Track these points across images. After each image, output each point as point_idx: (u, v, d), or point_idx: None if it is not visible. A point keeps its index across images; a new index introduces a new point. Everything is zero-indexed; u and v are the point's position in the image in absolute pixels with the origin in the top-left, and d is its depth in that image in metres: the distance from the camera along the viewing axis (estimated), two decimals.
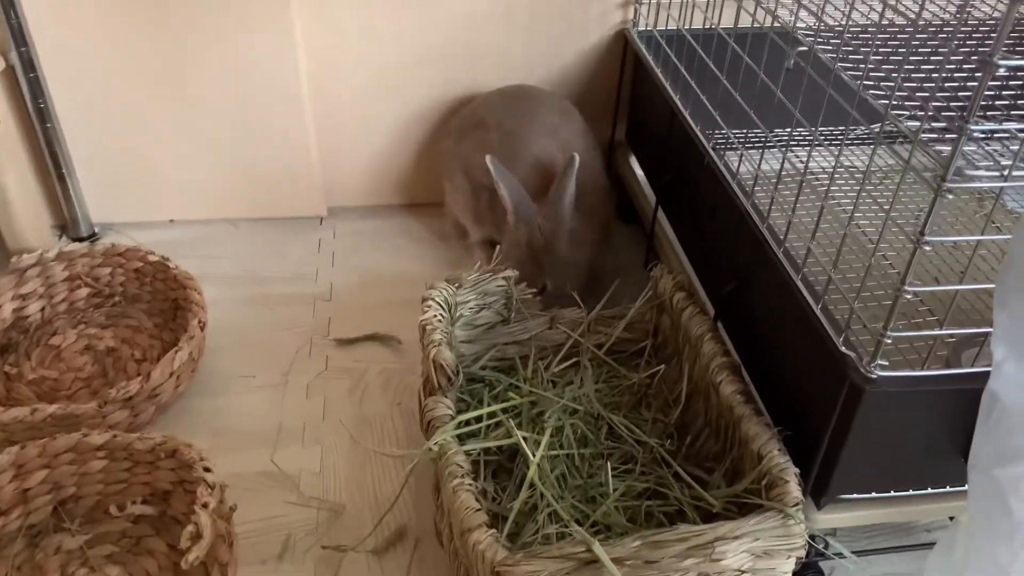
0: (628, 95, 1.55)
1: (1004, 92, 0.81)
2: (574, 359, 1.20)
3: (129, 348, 1.28)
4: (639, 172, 1.52)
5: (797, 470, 0.88)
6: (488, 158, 1.25)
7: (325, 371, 1.27)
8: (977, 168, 0.66)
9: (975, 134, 0.63)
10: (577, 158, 1.24)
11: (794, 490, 0.85)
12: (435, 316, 1.07)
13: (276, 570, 0.99)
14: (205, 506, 0.89)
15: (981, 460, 0.58)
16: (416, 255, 1.52)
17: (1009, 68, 0.60)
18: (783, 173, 0.94)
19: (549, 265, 1.28)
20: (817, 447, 0.87)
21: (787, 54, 0.89)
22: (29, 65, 1.35)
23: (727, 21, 1.14)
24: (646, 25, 1.44)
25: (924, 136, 0.70)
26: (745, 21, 1.07)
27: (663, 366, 1.16)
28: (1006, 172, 0.66)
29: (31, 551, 0.98)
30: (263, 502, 1.07)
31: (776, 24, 0.95)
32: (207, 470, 0.95)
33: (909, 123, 0.71)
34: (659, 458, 1.04)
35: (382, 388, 1.24)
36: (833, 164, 0.86)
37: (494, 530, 0.82)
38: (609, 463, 1.01)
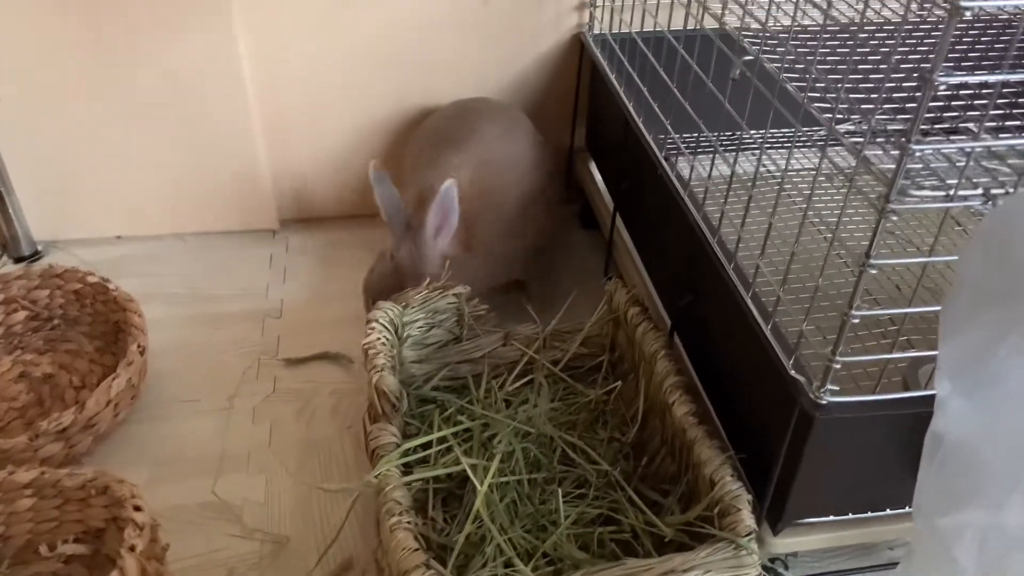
0: (586, 100, 1.51)
1: (962, 92, 0.77)
2: (529, 376, 1.16)
3: (67, 374, 1.23)
4: (599, 178, 1.48)
5: (751, 497, 0.85)
6: (371, 166, 1.19)
7: (272, 393, 1.23)
8: (922, 188, 0.63)
9: (917, 153, 0.59)
10: (449, 184, 1.16)
11: (747, 519, 0.82)
12: (379, 339, 1.03)
13: None
14: (132, 549, 0.85)
15: (924, 507, 0.55)
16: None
17: (950, 86, 0.56)
18: (738, 180, 0.90)
19: (409, 282, 1.19)
20: (771, 471, 0.84)
21: (733, 63, 0.86)
22: None
23: (681, 24, 1.10)
24: (600, 29, 1.41)
25: (870, 152, 0.67)
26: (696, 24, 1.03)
27: (619, 383, 1.13)
28: (952, 192, 0.63)
29: None
30: (204, 535, 1.03)
31: (724, 29, 0.92)
32: (137, 508, 0.90)
33: (853, 139, 0.67)
34: (614, 481, 1.01)
35: (331, 411, 1.20)
36: (786, 169, 0.82)
37: (432, 572, 0.78)
38: (560, 489, 0.97)
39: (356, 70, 1.43)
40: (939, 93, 0.58)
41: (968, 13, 0.53)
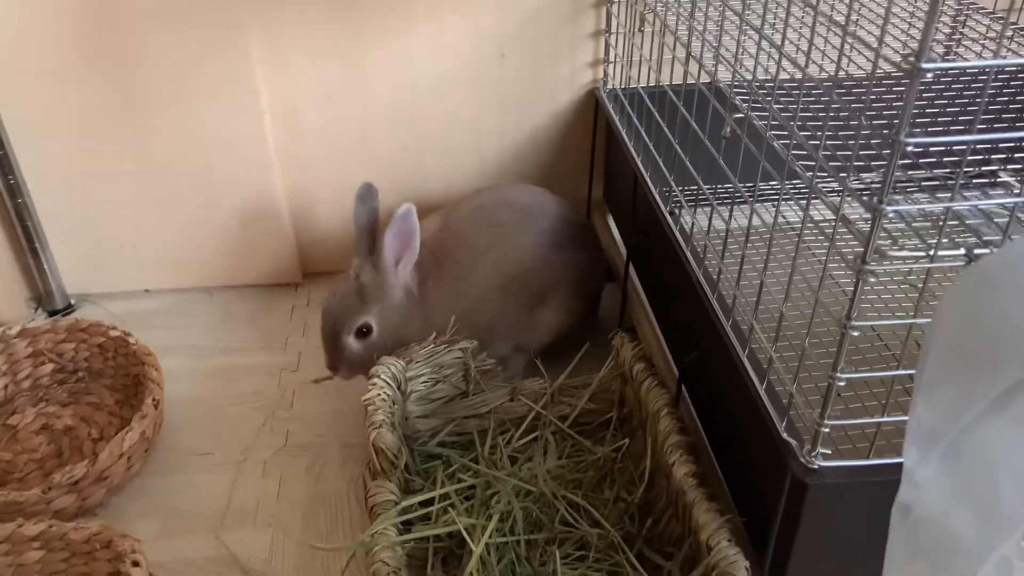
0: (602, 154, 1.52)
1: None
2: (537, 432, 1.15)
3: (87, 426, 1.26)
4: (616, 230, 1.48)
5: (747, 564, 0.82)
6: (363, 186, 1.19)
7: (284, 447, 1.24)
8: (902, 248, 0.61)
9: (890, 213, 0.58)
10: (407, 208, 1.13)
11: None
12: (379, 395, 1.03)
13: None
14: None
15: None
16: None
17: (918, 145, 0.55)
18: (739, 234, 0.89)
19: (372, 306, 1.17)
20: (769, 535, 0.81)
21: (725, 121, 0.85)
22: None
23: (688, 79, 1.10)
24: (613, 85, 1.42)
25: (850, 211, 0.65)
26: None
27: (627, 440, 1.11)
28: (932, 252, 0.61)
29: None
30: None
31: (716, 84, 0.92)
32: (135, 564, 0.91)
33: (832, 197, 0.66)
34: (616, 543, 0.98)
35: (341, 464, 1.20)
36: (774, 225, 0.81)
37: None
38: (560, 551, 0.96)
39: (375, 127, 1.46)
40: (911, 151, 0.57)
41: (930, 75, 0.52)
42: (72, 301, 1.55)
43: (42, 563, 0.99)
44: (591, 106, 1.49)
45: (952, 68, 0.52)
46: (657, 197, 1.12)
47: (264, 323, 1.50)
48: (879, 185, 0.59)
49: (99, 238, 1.50)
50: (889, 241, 0.62)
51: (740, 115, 0.83)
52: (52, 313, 1.53)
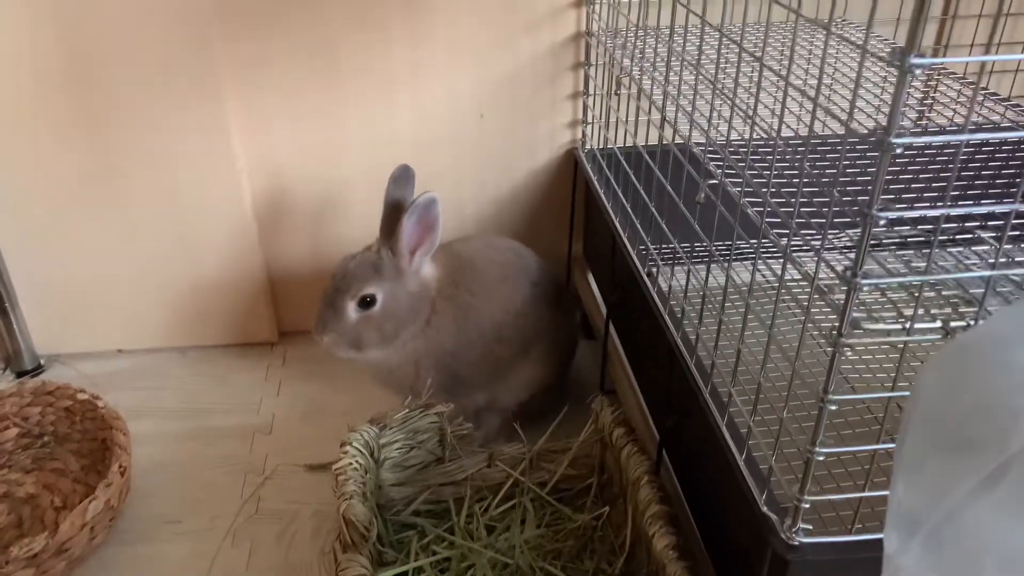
0: (582, 212, 1.51)
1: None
2: (515, 500, 1.12)
3: (50, 494, 1.21)
4: (596, 288, 1.47)
5: None
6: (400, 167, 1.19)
7: (255, 514, 1.20)
8: (877, 321, 0.60)
9: (865, 288, 0.57)
10: (431, 196, 1.13)
11: None
12: (350, 464, 1.00)
13: None
14: None
15: None
16: (371, 382, 1.45)
17: (890, 221, 0.54)
18: (718, 294, 0.87)
19: (385, 282, 1.16)
20: None
21: (699, 187, 0.85)
22: None
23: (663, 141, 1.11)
24: (591, 145, 1.42)
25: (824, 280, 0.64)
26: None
27: (607, 508, 1.08)
28: (908, 325, 0.60)
29: None
30: None
31: (688, 146, 0.91)
32: None
33: (806, 266, 0.65)
34: None
35: (312, 533, 1.17)
36: (751, 289, 0.79)
37: None
38: None
39: (355, 183, 1.46)
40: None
41: (899, 148, 0.51)
42: (42, 361, 1.52)
43: None
44: (571, 165, 1.49)
45: (920, 142, 0.51)
46: (634, 257, 1.11)
47: (238, 383, 1.47)
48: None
49: (71, 297, 1.48)
50: (864, 313, 0.60)
51: (714, 181, 0.82)
52: (20, 374, 1.49)
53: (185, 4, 1.25)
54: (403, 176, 1.19)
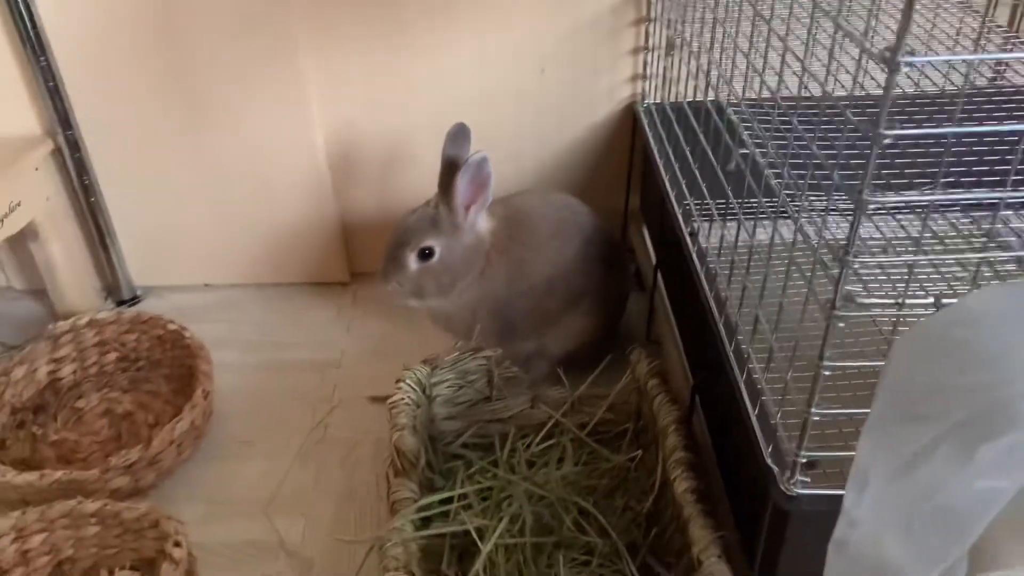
0: (640, 166, 1.55)
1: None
2: (555, 439, 1.20)
3: (144, 413, 1.36)
4: (649, 242, 1.51)
5: None
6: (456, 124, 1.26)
7: (322, 439, 1.32)
8: (870, 296, 0.64)
9: (856, 265, 0.61)
10: (481, 155, 1.19)
11: None
12: (403, 399, 1.10)
13: None
14: None
15: None
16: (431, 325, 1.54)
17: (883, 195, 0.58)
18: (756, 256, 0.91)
19: (444, 234, 1.24)
20: (755, 557, 0.85)
21: (732, 155, 0.89)
22: (74, 146, 1.47)
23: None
24: (649, 101, 1.45)
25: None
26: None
27: (640, 451, 1.15)
28: (901, 300, 0.64)
29: None
30: (244, 571, 1.12)
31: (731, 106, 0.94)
32: (177, 544, 1.00)
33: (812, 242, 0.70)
34: (619, 551, 1.03)
35: (372, 458, 1.28)
36: (770, 252, 0.83)
37: None
38: (563, 555, 1.01)
39: (421, 135, 1.53)
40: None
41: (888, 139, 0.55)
42: (138, 292, 1.67)
43: (98, 538, 1.09)
44: (630, 120, 1.52)
45: (908, 134, 0.54)
46: (678, 214, 1.15)
47: (312, 320, 1.59)
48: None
49: (163, 234, 1.61)
50: (861, 287, 0.65)
51: (745, 151, 0.86)
52: (120, 303, 1.65)
53: None
54: (459, 134, 1.25)
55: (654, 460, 1.12)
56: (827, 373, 0.67)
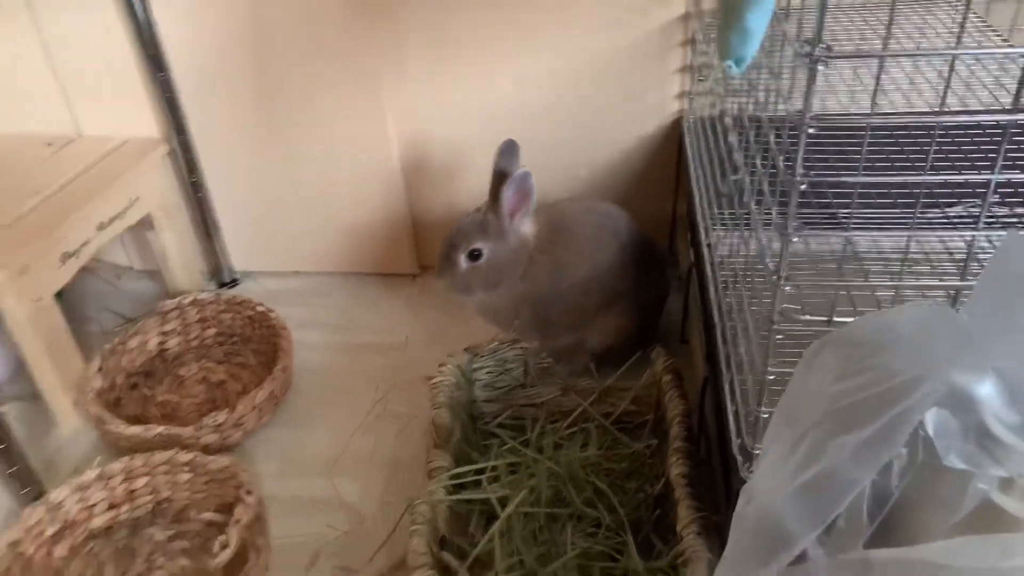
0: (686, 177, 1.65)
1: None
2: (583, 425, 1.34)
3: (234, 382, 1.58)
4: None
5: (710, 556, 0.97)
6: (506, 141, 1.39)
7: (382, 414, 1.50)
8: (804, 314, 0.75)
9: (787, 288, 0.73)
10: (525, 171, 1.32)
11: (701, 571, 0.95)
12: (443, 380, 1.26)
13: None
14: (237, 522, 1.14)
15: (730, 559, 0.67)
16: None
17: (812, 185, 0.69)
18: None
19: (491, 238, 1.37)
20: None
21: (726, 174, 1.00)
22: (186, 149, 1.71)
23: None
24: (693, 117, 1.55)
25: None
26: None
27: (656, 440, 1.27)
28: (830, 319, 0.75)
29: (131, 538, 1.28)
30: (308, 522, 1.31)
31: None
32: (248, 492, 1.20)
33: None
34: (623, 525, 1.16)
35: (422, 433, 1.45)
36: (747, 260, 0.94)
37: (433, 572, 1.00)
38: (572, 526, 1.15)
39: (483, 143, 1.65)
40: None
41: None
42: (237, 276, 1.90)
43: (189, 484, 1.31)
44: (677, 133, 1.63)
45: (835, 119, 0.64)
46: (699, 224, 1.26)
47: (383, 307, 1.78)
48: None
49: (259, 227, 1.83)
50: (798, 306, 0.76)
51: (735, 177, 0.97)
52: (221, 285, 1.88)
53: None
54: (508, 149, 1.39)
55: (667, 449, 1.24)
56: (771, 377, 0.79)
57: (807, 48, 0.61)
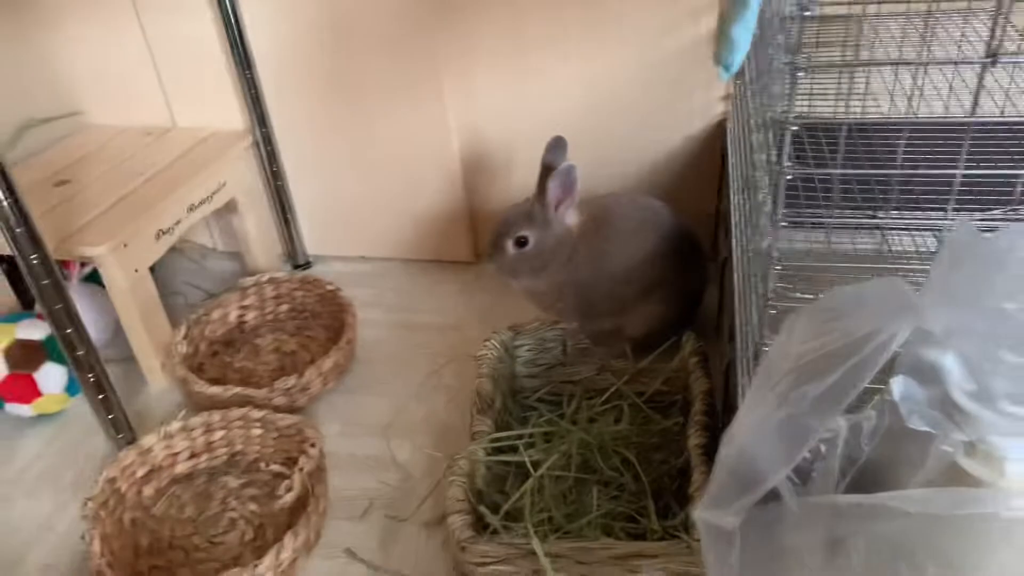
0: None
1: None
2: (616, 402, 1.44)
3: (306, 352, 1.74)
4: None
5: None
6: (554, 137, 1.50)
7: (436, 386, 1.64)
8: (796, 292, 0.85)
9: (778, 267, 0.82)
10: (569, 164, 1.42)
11: None
12: (487, 354, 1.39)
13: (355, 526, 1.35)
14: (301, 470, 1.29)
15: (708, 501, 0.77)
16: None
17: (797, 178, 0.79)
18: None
19: (537, 227, 1.47)
20: None
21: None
22: (267, 140, 1.88)
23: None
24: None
25: None
26: None
27: (683, 418, 1.37)
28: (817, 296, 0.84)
29: (207, 485, 1.45)
30: (364, 477, 1.44)
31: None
32: (312, 445, 1.35)
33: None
34: (645, 491, 1.26)
35: (470, 404, 1.55)
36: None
37: (468, 516, 1.12)
38: (597, 489, 1.26)
39: (538, 140, 1.77)
40: None
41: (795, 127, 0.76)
42: (310, 259, 2.07)
43: (260, 439, 1.46)
44: (722, 134, 1.72)
45: (811, 120, 0.73)
46: (733, 217, 1.35)
47: (441, 291, 1.92)
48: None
49: (332, 214, 2.00)
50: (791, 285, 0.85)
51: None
52: (296, 267, 2.05)
53: (413, 1, 1.65)
54: (556, 145, 1.50)
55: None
56: (766, 349, 0.88)
57: (789, 58, 0.71)
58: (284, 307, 1.83)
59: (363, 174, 1.91)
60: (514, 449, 1.35)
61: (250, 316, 1.81)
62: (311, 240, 2.05)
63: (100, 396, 1.39)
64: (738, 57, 0.73)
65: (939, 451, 0.80)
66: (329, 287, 1.77)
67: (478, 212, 1.93)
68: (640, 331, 1.57)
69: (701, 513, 0.73)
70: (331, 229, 2.03)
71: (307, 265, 2.05)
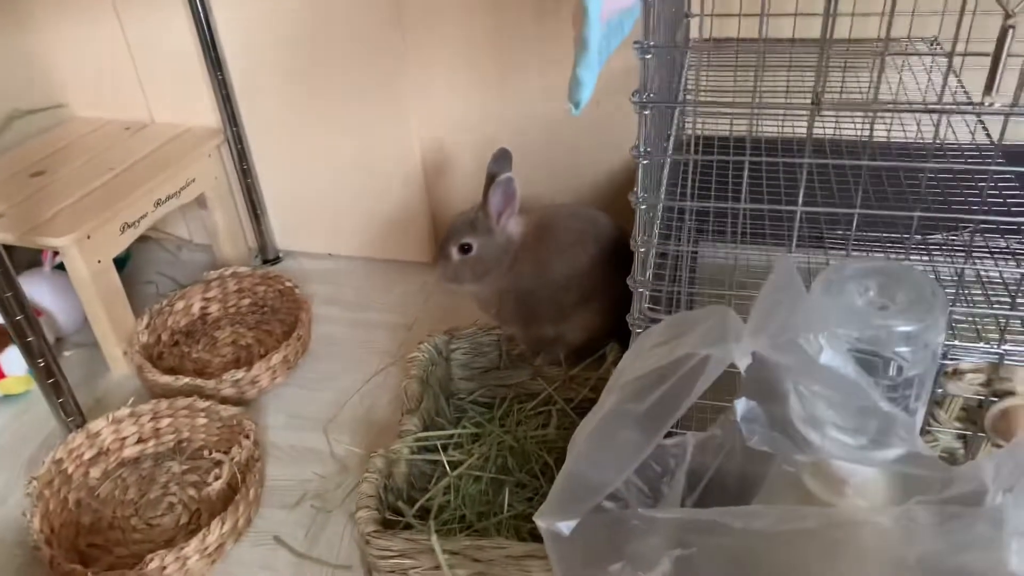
0: None
1: None
2: (546, 408, 1.49)
3: (260, 346, 1.80)
4: None
5: None
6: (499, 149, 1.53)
7: (381, 383, 1.69)
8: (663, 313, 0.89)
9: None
10: (508, 175, 1.46)
11: None
12: (418, 357, 1.44)
13: (287, 514, 1.41)
14: (232, 460, 1.36)
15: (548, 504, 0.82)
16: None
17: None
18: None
19: (479, 235, 1.51)
20: None
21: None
22: (237, 139, 1.94)
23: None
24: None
25: None
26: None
27: None
28: None
29: (153, 469, 1.51)
30: (301, 468, 1.50)
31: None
32: (246, 437, 1.41)
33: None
34: None
35: None
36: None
37: (375, 512, 1.18)
38: (511, 490, 1.31)
39: (497, 145, 1.83)
40: None
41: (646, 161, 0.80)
42: (280, 254, 2.13)
43: (205, 428, 1.53)
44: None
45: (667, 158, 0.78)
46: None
47: (399, 290, 1.97)
48: None
49: (300, 212, 2.06)
50: None
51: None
52: (265, 262, 2.11)
53: (380, 11, 1.70)
54: (501, 156, 1.55)
55: None
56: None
57: (636, 96, 0.76)
58: (246, 301, 1.90)
59: (330, 174, 1.97)
60: (445, 450, 1.40)
61: (213, 308, 1.88)
62: (281, 236, 2.12)
63: (50, 380, 1.46)
64: (585, 94, 0.78)
65: (781, 470, 0.84)
66: (288, 283, 1.83)
67: (439, 215, 1.99)
68: (580, 338, 1.62)
69: (538, 518, 0.78)
70: (300, 226, 2.09)
71: (277, 260, 2.12)
